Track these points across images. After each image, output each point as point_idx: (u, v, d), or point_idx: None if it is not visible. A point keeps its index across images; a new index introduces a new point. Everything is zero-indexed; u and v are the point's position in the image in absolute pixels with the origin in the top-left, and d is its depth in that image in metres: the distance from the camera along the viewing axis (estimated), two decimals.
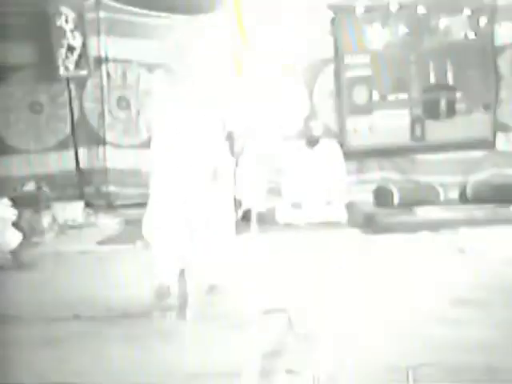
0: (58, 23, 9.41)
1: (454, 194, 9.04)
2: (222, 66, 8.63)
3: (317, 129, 8.70)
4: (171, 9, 9.66)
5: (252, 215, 8.39)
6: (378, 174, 10.07)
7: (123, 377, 4.19)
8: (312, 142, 8.60)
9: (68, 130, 9.89)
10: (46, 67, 9.53)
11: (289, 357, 4.40)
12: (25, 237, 7.35)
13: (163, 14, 9.75)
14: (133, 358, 4.50)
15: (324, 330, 4.81)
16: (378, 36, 9.92)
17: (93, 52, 9.70)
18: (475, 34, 9.95)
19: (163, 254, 5.78)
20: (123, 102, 9.96)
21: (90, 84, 9.89)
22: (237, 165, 8.73)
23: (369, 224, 8.08)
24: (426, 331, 4.71)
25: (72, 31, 9.43)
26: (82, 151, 9.88)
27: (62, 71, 9.49)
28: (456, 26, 9.97)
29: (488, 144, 10.09)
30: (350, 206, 8.48)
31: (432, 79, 10.05)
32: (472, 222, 7.76)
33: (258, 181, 8.62)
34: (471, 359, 4.16)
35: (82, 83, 9.84)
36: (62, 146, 9.96)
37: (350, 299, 5.49)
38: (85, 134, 9.93)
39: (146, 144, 9.96)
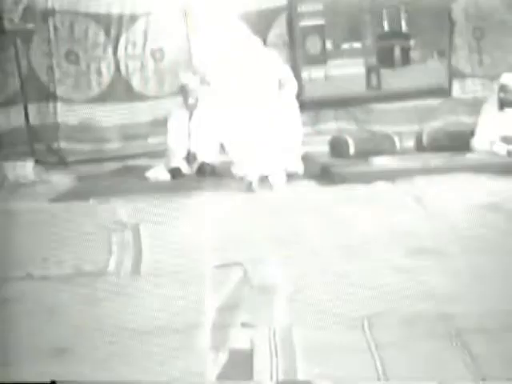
0: None
1: (410, 143, 9.04)
2: None
3: None
4: None
5: (207, 168, 8.41)
6: (334, 124, 10.02)
7: (78, 336, 4.15)
8: None
9: (16, 85, 9.71)
10: None
11: (245, 310, 4.38)
12: None
13: None
14: (87, 316, 4.45)
15: (279, 283, 4.79)
16: None
17: (39, 4, 9.50)
18: None
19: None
20: (72, 56, 9.78)
21: (37, 38, 9.70)
22: (191, 118, 8.67)
23: (325, 175, 8.04)
24: (382, 280, 4.72)
25: None
26: (31, 107, 9.71)
27: (7, 25, 9.29)
28: None
29: (443, 91, 10.09)
30: (305, 158, 8.42)
31: (386, 27, 10.01)
32: (428, 171, 7.74)
33: (212, 134, 8.53)
34: (427, 307, 4.19)
35: (28, 37, 9.62)
36: (10, 101, 9.75)
37: (305, 250, 5.48)
38: (34, 89, 9.74)
39: (98, 98, 9.89)
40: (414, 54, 9.98)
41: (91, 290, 4.92)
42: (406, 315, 4.08)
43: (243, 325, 4.12)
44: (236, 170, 8.13)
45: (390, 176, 7.67)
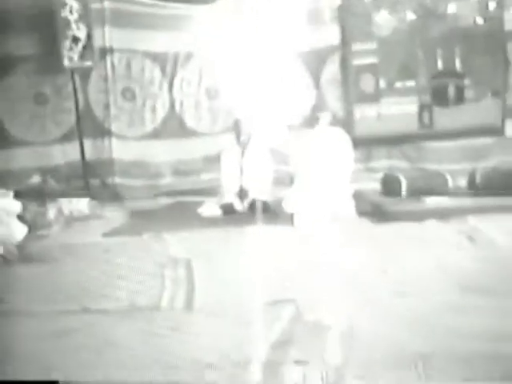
0: (63, 14, 9.37)
1: (463, 182, 8.96)
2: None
3: (324, 118, 8.62)
4: None
5: (258, 204, 8.43)
6: (386, 162, 10.02)
7: (132, 369, 4.16)
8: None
9: (73, 121, 9.87)
10: (51, 58, 9.50)
11: (297, 347, 4.36)
12: (30, 230, 7.31)
13: (169, 4, 9.71)
14: (141, 350, 4.46)
15: (333, 319, 4.76)
16: (385, 23, 9.86)
17: (97, 43, 9.67)
18: (484, 20, 9.86)
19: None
20: (128, 93, 9.93)
21: (94, 75, 9.88)
22: (243, 155, 8.72)
23: (376, 213, 8.02)
24: (436, 319, 4.67)
25: (77, 22, 9.39)
26: (87, 143, 9.86)
27: (66, 62, 9.46)
28: (464, 12, 9.89)
29: (497, 130, 10.03)
30: (357, 195, 8.40)
31: (440, 66, 9.99)
32: (481, 210, 7.67)
33: (264, 171, 8.57)
34: (481, 347, 4.12)
35: (86, 74, 9.82)
36: (66, 137, 9.95)
37: (358, 287, 5.44)
38: (90, 125, 9.91)
39: (152, 135, 10.02)
40: (468, 93, 9.94)
41: (145, 325, 4.92)
42: (460, 355, 4.02)
43: (296, 362, 4.10)
44: (287, 207, 8.16)
45: (443, 215, 7.62)
